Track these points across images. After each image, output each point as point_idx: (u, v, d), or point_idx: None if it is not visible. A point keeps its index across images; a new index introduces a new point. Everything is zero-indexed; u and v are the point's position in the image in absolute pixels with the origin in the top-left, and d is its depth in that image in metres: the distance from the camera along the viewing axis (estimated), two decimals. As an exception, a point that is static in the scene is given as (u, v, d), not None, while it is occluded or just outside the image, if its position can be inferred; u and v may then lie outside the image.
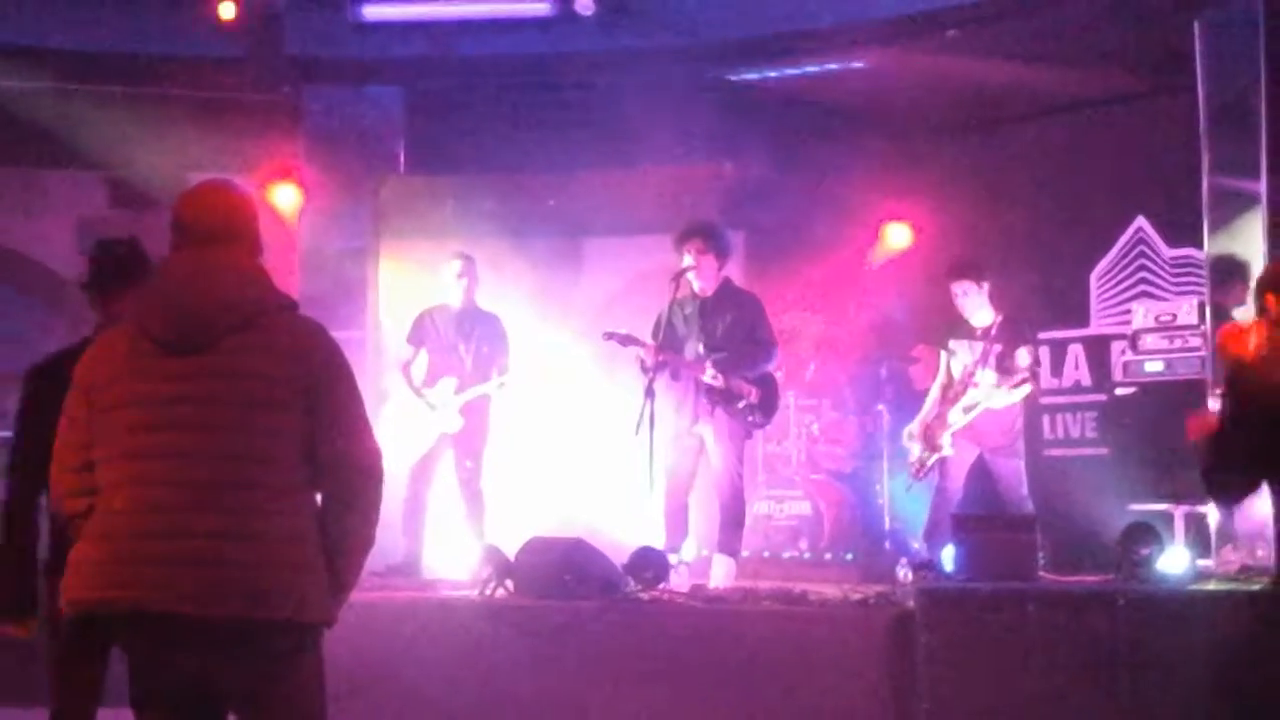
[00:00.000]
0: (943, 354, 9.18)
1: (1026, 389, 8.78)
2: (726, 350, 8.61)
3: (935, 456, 8.97)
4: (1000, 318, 8.91)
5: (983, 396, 8.79)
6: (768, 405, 8.78)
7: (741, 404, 8.62)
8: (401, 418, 9.60)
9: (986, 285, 8.93)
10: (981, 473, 9.02)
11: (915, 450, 9.10)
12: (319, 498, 3.82)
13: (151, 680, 3.75)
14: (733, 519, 8.75)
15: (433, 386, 9.43)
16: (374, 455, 3.85)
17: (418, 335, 9.58)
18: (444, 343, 9.47)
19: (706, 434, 8.64)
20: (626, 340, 8.63)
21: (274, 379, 3.72)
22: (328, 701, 3.91)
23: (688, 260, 8.63)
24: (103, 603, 3.67)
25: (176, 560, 3.60)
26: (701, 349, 8.61)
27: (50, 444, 3.91)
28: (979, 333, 8.95)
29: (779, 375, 9.74)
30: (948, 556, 7.86)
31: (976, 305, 8.96)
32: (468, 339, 9.41)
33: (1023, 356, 8.78)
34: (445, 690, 7.43)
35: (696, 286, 8.73)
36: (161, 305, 3.80)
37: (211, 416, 3.68)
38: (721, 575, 8.55)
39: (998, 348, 8.82)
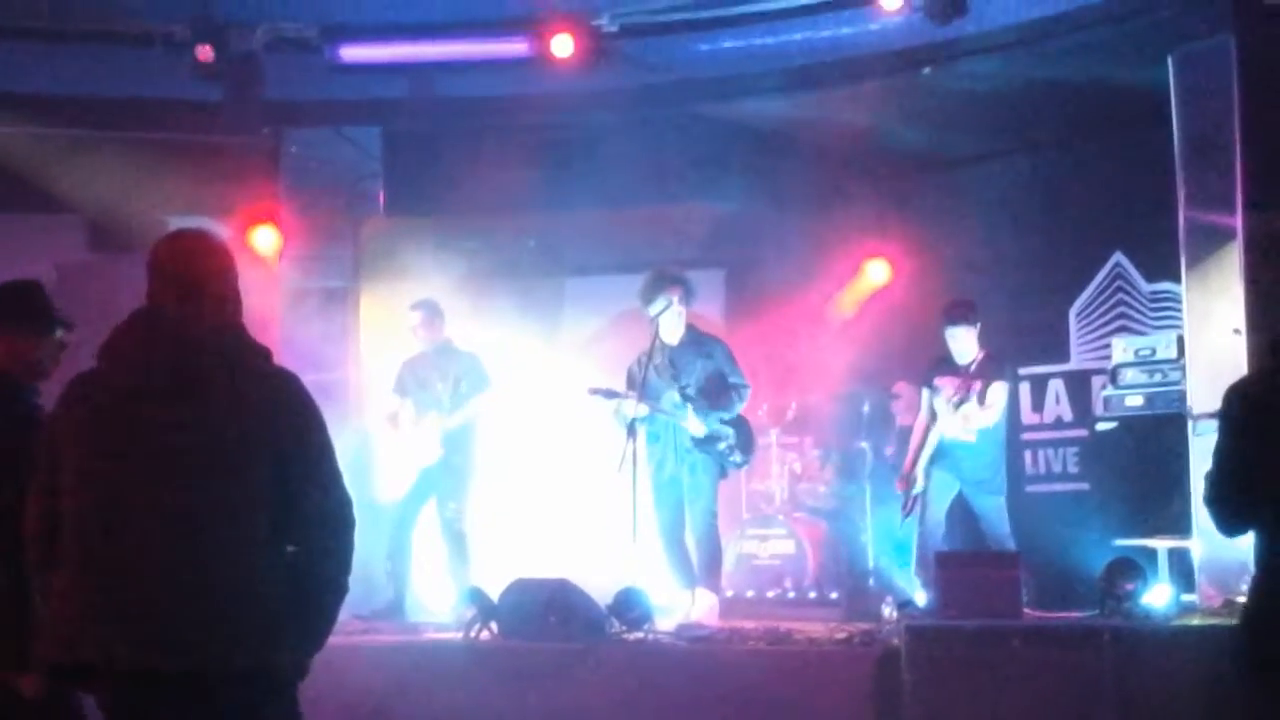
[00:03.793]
0: (925, 392, 9.21)
1: (989, 418, 8.80)
2: (702, 395, 8.64)
3: (914, 490, 9.00)
4: (982, 355, 8.97)
5: (943, 425, 8.86)
6: (745, 445, 8.80)
7: (722, 445, 8.64)
8: (387, 462, 9.60)
9: (979, 325, 9.01)
10: (962, 509, 9.04)
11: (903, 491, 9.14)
12: (289, 548, 3.80)
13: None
14: (709, 557, 8.75)
15: (417, 426, 9.47)
16: (345, 506, 3.84)
17: (401, 386, 9.69)
18: (422, 385, 9.52)
19: (684, 474, 8.66)
20: (610, 394, 8.66)
21: (245, 430, 3.71)
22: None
23: (664, 306, 8.62)
24: (73, 659, 3.65)
25: (145, 615, 3.59)
26: (678, 396, 8.63)
27: None
28: (960, 369, 8.99)
29: (761, 412, 9.76)
30: (922, 595, 7.89)
31: (965, 344, 9.02)
32: (444, 376, 9.47)
33: (998, 390, 8.84)
34: (431, 732, 7.41)
35: (665, 335, 8.76)
36: (132, 354, 3.79)
37: (181, 467, 3.66)
38: (703, 612, 8.53)
39: (977, 384, 8.87)
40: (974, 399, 8.88)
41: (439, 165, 11.24)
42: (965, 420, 8.84)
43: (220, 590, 3.62)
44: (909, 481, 9.06)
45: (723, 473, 8.87)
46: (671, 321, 8.72)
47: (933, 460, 9.00)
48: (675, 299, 8.67)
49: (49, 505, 3.77)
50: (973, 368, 8.96)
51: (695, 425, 8.57)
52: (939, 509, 8.98)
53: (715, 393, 8.67)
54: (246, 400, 3.73)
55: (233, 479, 3.68)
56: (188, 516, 3.64)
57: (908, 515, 9.11)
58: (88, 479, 3.71)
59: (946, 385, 9.03)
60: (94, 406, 3.76)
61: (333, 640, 3.93)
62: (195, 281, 3.86)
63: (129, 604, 3.59)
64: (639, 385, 8.58)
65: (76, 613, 3.65)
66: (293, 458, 3.74)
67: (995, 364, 9.01)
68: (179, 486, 3.65)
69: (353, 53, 10.22)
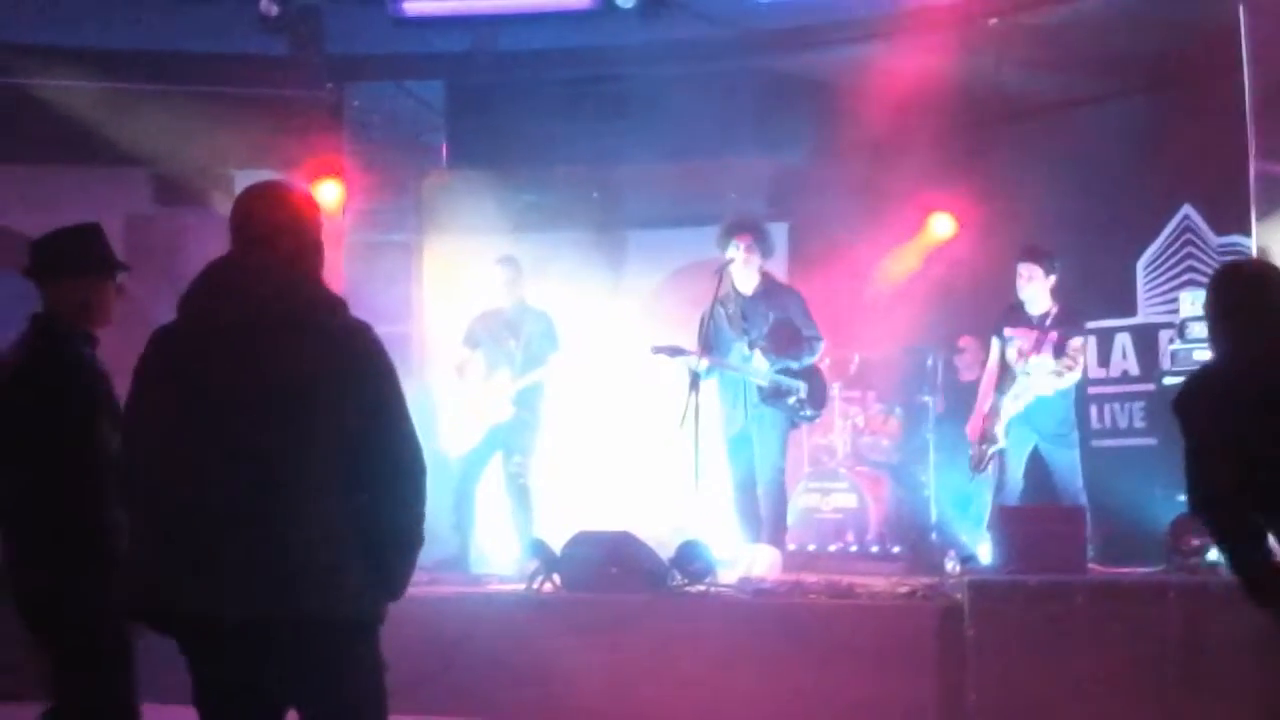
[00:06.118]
0: (995, 341, 9.10)
1: (1076, 375, 8.73)
2: (773, 347, 8.59)
3: (993, 448, 8.91)
4: (1057, 307, 8.85)
5: (1034, 383, 8.73)
6: (816, 399, 8.76)
7: (792, 399, 8.60)
8: (453, 414, 9.63)
9: (1054, 278, 8.88)
10: (1037, 462, 8.96)
11: (974, 445, 9.05)
12: (364, 495, 3.81)
13: (206, 677, 3.79)
14: (775, 512, 8.74)
15: (487, 382, 9.50)
16: (417, 455, 3.85)
17: (472, 338, 9.69)
18: (495, 340, 9.53)
19: (754, 429, 8.63)
20: (674, 352, 8.62)
21: (318, 379, 3.72)
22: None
23: (734, 253, 8.60)
24: (148, 605, 3.73)
25: (221, 562, 3.62)
26: (748, 348, 8.59)
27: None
28: (1034, 320, 8.89)
29: (825, 365, 9.72)
30: (986, 549, 7.86)
31: (1038, 292, 8.89)
32: (518, 335, 9.48)
33: (1076, 343, 8.75)
34: (494, 683, 7.48)
35: (739, 284, 8.71)
36: (201, 306, 3.83)
37: (255, 416, 3.69)
38: (766, 567, 8.54)
39: (1054, 335, 8.77)
40: (1047, 352, 8.76)
41: (501, 118, 11.25)
42: (1058, 378, 8.71)
43: (286, 539, 3.65)
44: (984, 435, 8.97)
45: (793, 425, 8.84)
46: (741, 271, 8.66)
47: (1011, 420, 8.90)
48: (742, 247, 8.61)
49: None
50: (1048, 321, 8.84)
51: (761, 364, 8.54)
52: (1017, 466, 8.89)
53: (785, 341, 8.63)
54: (320, 351, 3.75)
55: (301, 430, 3.70)
56: (256, 466, 3.66)
57: (979, 471, 9.04)
58: (159, 428, 3.76)
59: (1018, 336, 8.94)
60: (170, 357, 3.81)
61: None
62: (266, 234, 3.88)
63: (204, 553, 3.63)
64: (705, 337, 8.54)
65: (149, 558, 3.71)
66: (364, 408, 3.75)
67: (1072, 318, 8.88)
68: (247, 436, 3.68)
69: (416, 6, 10.21)
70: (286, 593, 3.63)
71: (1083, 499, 8.65)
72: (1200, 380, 4.75)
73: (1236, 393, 4.51)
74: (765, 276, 8.84)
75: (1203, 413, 4.56)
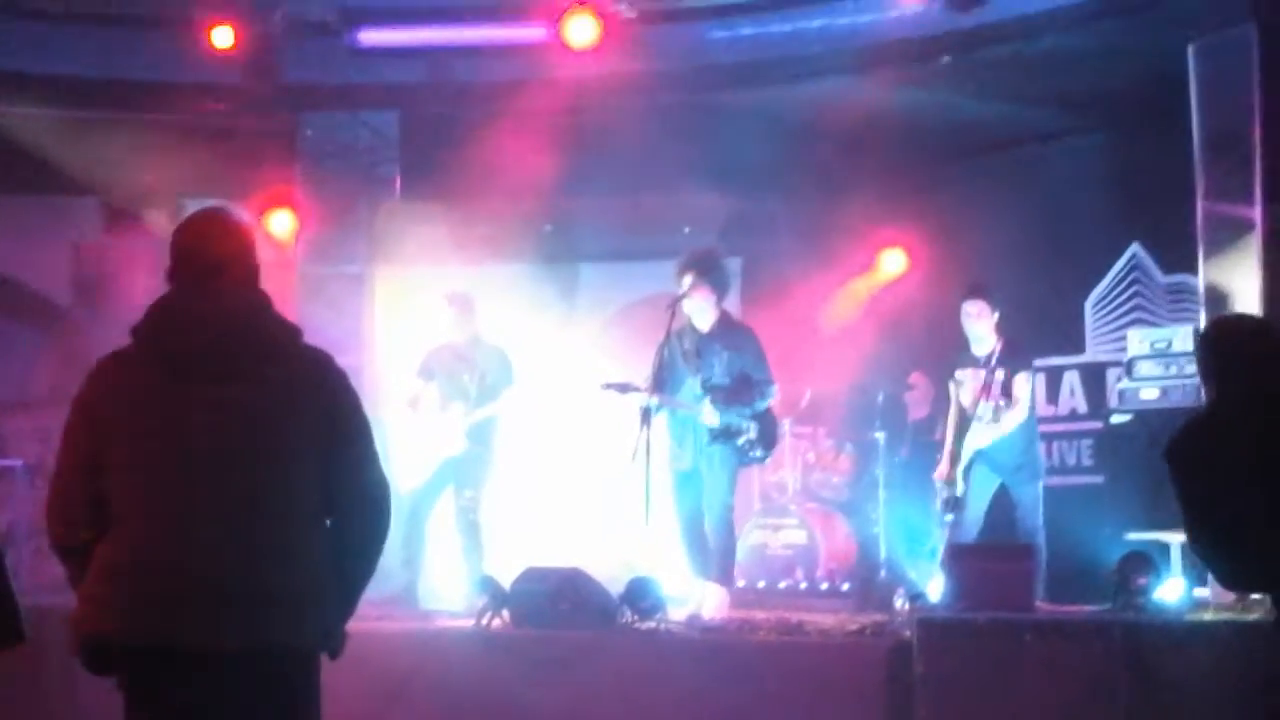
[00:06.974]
0: (951, 386, 9.15)
1: (1021, 413, 8.79)
2: (725, 387, 8.56)
3: (953, 490, 8.95)
4: (1001, 344, 8.89)
5: (986, 429, 8.80)
6: (767, 440, 8.74)
7: (741, 440, 8.58)
8: (404, 447, 9.59)
9: (997, 313, 8.92)
10: (1003, 499, 9.01)
11: (941, 487, 9.08)
12: (333, 524, 3.83)
13: (154, 710, 3.72)
14: (723, 550, 8.69)
15: (441, 415, 9.46)
16: (383, 487, 3.88)
17: (426, 370, 9.65)
18: (450, 374, 9.49)
19: (702, 466, 8.61)
20: (624, 388, 8.57)
21: (291, 410, 3.73)
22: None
23: (684, 288, 8.57)
24: (119, 637, 3.65)
25: (193, 596, 3.60)
26: (700, 387, 8.56)
27: None
28: (979, 360, 8.94)
29: (775, 401, 9.73)
30: (934, 587, 7.90)
31: (982, 330, 8.94)
32: (472, 369, 9.42)
33: (1022, 384, 8.81)
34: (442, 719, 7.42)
35: (695, 321, 8.68)
36: (176, 336, 3.78)
37: (229, 449, 3.68)
38: (713, 606, 8.50)
39: (1001, 373, 8.81)
40: (996, 393, 8.81)
41: (455, 150, 11.22)
42: (999, 427, 8.79)
43: (267, 572, 3.65)
44: (948, 478, 9.00)
45: (743, 464, 8.82)
46: (694, 306, 8.63)
47: (970, 464, 8.95)
48: (688, 282, 8.57)
49: (93, 486, 3.74)
50: (992, 359, 8.88)
51: (710, 416, 8.52)
52: (978, 507, 8.94)
53: (738, 387, 8.58)
54: (292, 383, 3.76)
55: (280, 461, 3.71)
56: (236, 500, 3.66)
57: (947, 514, 9.06)
58: (135, 461, 3.70)
59: (967, 378, 8.99)
60: (136, 388, 3.75)
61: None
62: (218, 262, 3.85)
63: (175, 587, 3.61)
64: (656, 374, 8.51)
65: (122, 596, 3.65)
66: (335, 439, 3.77)
67: (1015, 353, 8.91)
68: (227, 470, 3.67)
69: (371, 36, 10.21)
70: (273, 625, 3.64)
71: (1040, 537, 8.70)
72: (1195, 430, 4.79)
73: (1233, 443, 4.58)
74: (723, 314, 8.81)
75: (1199, 463, 4.63)
